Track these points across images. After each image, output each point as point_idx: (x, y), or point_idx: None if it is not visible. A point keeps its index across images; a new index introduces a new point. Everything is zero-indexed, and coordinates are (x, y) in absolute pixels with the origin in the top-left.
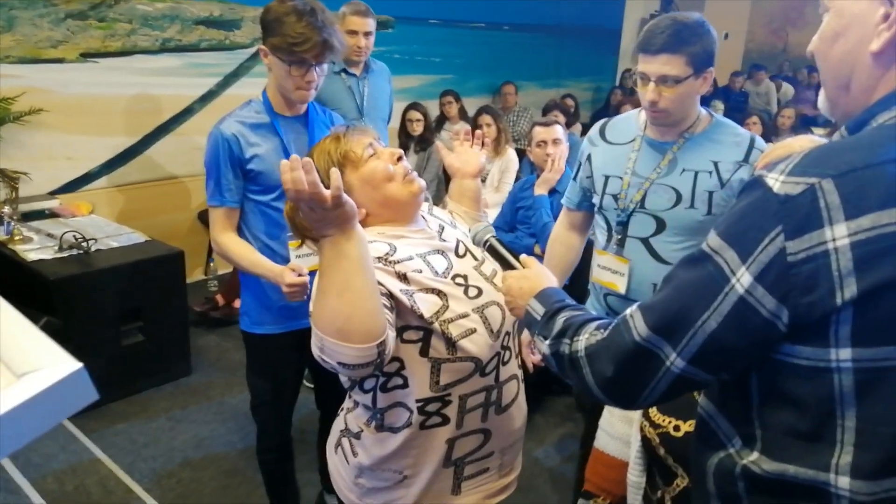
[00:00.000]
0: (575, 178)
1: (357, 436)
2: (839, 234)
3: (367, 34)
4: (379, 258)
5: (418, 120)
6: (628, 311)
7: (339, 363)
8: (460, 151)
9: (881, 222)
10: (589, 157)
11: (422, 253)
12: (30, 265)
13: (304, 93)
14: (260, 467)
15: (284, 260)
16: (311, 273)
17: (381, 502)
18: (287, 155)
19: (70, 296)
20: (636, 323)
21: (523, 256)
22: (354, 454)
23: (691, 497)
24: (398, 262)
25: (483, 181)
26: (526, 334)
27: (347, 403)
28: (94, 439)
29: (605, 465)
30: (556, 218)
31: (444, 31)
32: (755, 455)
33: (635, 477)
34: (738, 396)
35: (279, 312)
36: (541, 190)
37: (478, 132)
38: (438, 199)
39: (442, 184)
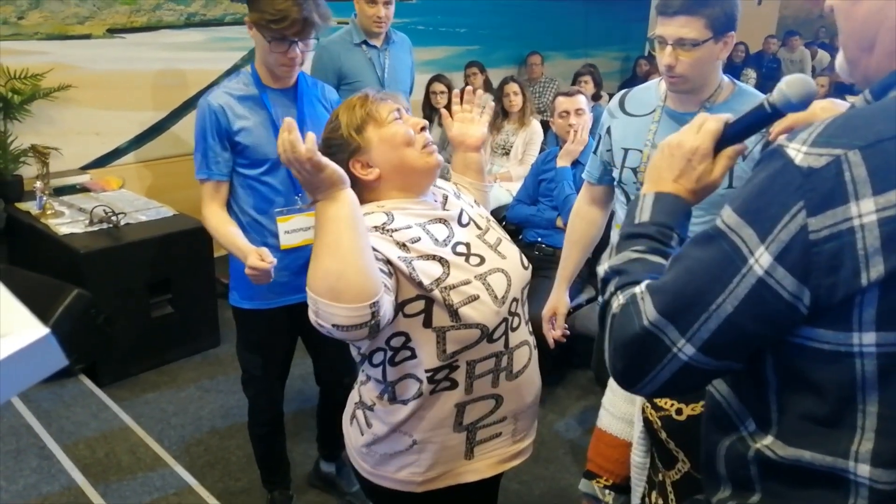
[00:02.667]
0: (595, 152)
1: (371, 408)
2: (866, 210)
3: (387, 3)
4: (376, 227)
5: (442, 92)
6: (638, 289)
7: (334, 325)
8: (461, 121)
9: None
10: (609, 130)
11: (421, 222)
12: (61, 239)
13: (286, 69)
14: (251, 441)
15: (273, 235)
16: (292, 253)
17: (396, 468)
18: (275, 129)
19: (100, 269)
20: (645, 306)
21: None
22: (369, 425)
23: (701, 479)
24: (395, 230)
25: (507, 153)
26: (546, 310)
27: (361, 377)
28: (125, 408)
29: (608, 445)
30: (578, 190)
31: (469, 2)
32: (769, 439)
33: (639, 458)
34: (752, 379)
35: (270, 287)
36: (563, 161)
37: (467, 89)
38: None
39: None
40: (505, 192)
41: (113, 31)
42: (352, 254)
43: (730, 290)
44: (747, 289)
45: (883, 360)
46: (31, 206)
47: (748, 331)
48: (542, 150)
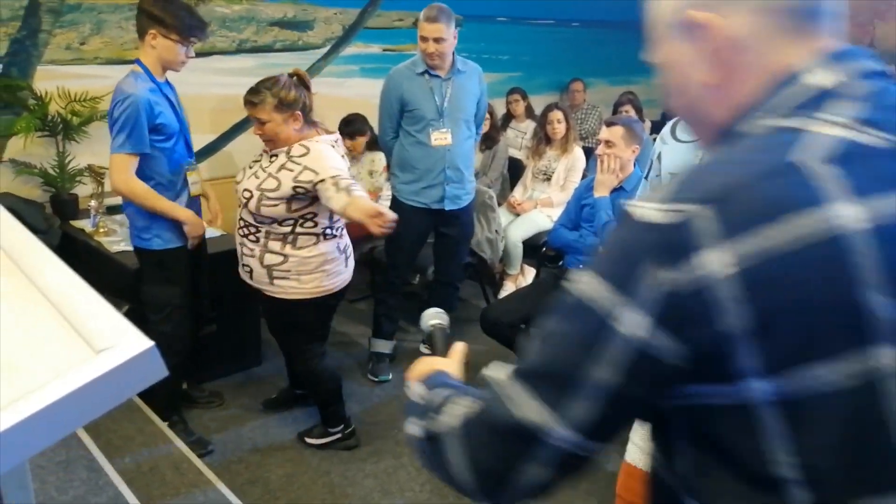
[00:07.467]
0: (646, 178)
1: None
2: (722, 259)
3: (437, 40)
4: None
5: (486, 119)
6: (501, 374)
7: None
8: None
9: (765, 245)
10: (659, 156)
11: None
12: (113, 256)
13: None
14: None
15: None
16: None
17: None
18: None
19: None
20: (513, 391)
21: (457, 344)
22: None
23: None
24: None
25: (548, 179)
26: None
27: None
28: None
29: (638, 480)
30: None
31: (512, 29)
32: None
33: None
34: (671, 454)
35: (181, 230)
36: (599, 192)
37: None
38: (503, 198)
39: (507, 182)
40: (545, 218)
41: None
42: None
43: (605, 359)
44: (623, 354)
45: (785, 409)
46: (85, 224)
47: (632, 396)
48: (584, 176)
